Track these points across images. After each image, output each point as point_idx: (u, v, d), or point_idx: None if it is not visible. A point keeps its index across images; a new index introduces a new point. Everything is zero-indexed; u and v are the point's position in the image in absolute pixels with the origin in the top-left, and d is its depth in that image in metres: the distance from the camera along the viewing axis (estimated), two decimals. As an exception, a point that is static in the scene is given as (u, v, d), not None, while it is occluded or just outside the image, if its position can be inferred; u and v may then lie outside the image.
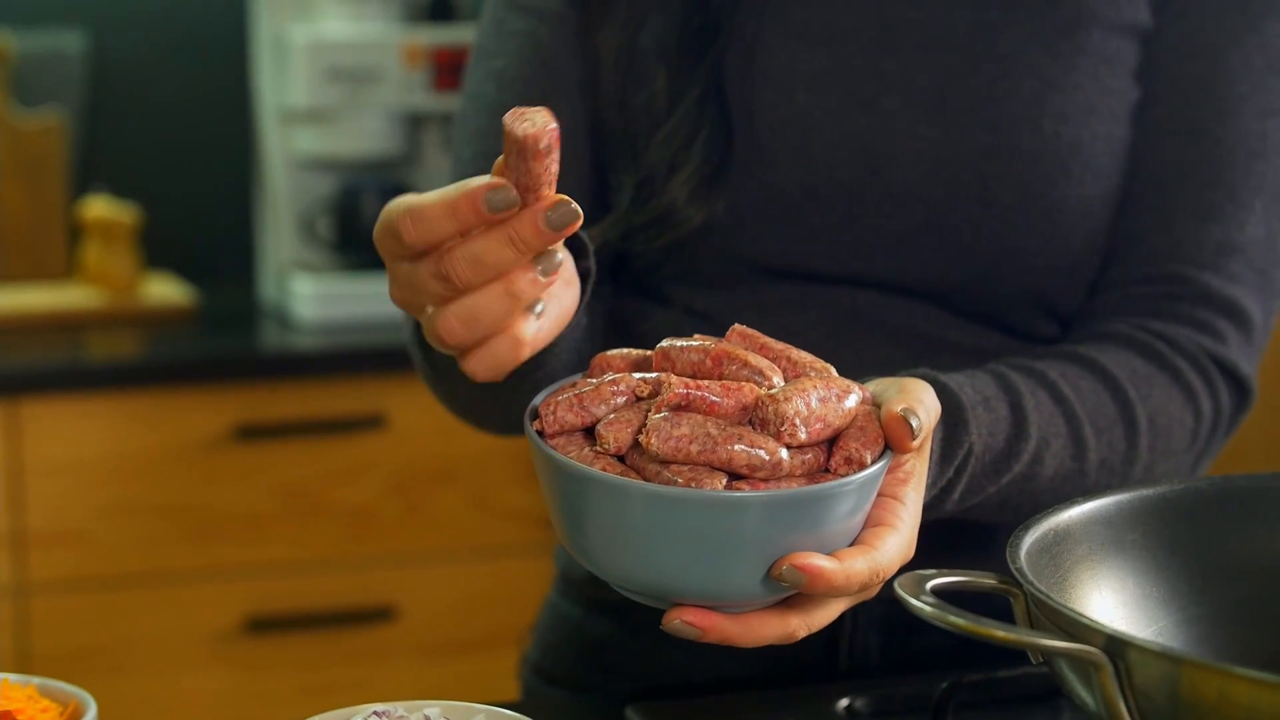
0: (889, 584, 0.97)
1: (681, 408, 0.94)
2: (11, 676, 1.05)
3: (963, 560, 1.11)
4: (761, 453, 0.93)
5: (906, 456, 1.00)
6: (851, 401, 0.96)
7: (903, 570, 0.98)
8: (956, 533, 1.19)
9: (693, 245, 1.28)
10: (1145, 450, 1.22)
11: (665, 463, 0.93)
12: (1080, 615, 0.90)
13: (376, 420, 2.70)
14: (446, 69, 2.85)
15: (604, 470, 0.94)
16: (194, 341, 2.80)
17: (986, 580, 0.98)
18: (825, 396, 0.95)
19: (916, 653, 1.30)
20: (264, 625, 2.69)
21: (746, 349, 0.99)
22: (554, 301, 1.01)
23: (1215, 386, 1.26)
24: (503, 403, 1.22)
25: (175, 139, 3.13)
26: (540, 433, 0.97)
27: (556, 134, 0.92)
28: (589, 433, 0.97)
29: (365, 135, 2.87)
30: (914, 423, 0.97)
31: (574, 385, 0.98)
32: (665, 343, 0.99)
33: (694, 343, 0.98)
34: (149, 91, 3.11)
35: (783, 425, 0.93)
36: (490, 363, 0.97)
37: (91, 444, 2.60)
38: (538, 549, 2.74)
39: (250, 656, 2.69)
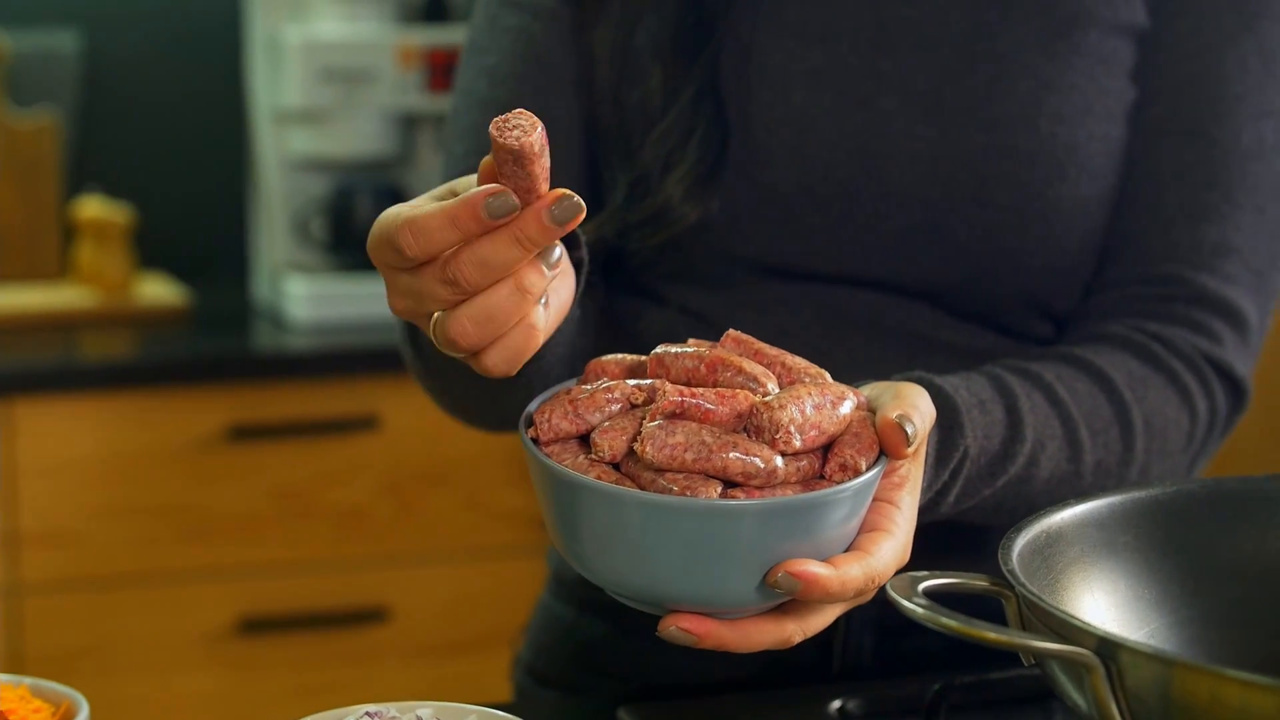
0: (883, 587, 0.97)
1: (676, 415, 0.94)
2: (4, 677, 1.05)
3: (956, 562, 1.11)
4: (756, 460, 0.93)
5: (901, 462, 1.00)
6: (846, 408, 0.97)
7: (898, 573, 0.98)
8: (950, 534, 1.19)
9: (688, 244, 1.28)
10: (1141, 452, 1.22)
11: (660, 470, 0.93)
12: (1072, 617, 0.90)
13: (370, 421, 2.70)
14: (441, 70, 2.84)
15: (599, 478, 0.94)
16: (187, 342, 2.79)
17: (978, 582, 0.98)
18: (820, 403, 0.95)
19: (910, 655, 1.30)
20: (257, 626, 2.69)
21: (741, 355, 0.99)
22: (553, 294, 1.01)
23: (1211, 388, 1.26)
24: (496, 398, 1.22)
25: (169, 139, 3.12)
26: (535, 440, 0.97)
27: (543, 141, 0.92)
28: (584, 440, 0.97)
29: (359, 136, 2.87)
30: (909, 429, 0.97)
31: (568, 392, 0.98)
32: (660, 349, 0.99)
33: (689, 349, 0.98)
34: (143, 91, 3.10)
35: (777, 432, 0.94)
36: (507, 355, 0.97)
37: (85, 444, 2.60)
38: (530, 550, 2.74)
39: (243, 657, 2.69)
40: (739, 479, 0.93)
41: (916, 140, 1.26)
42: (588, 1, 1.30)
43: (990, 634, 0.90)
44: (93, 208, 2.87)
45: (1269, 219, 1.27)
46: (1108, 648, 0.88)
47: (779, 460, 0.93)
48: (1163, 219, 1.27)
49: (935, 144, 1.25)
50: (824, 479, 0.95)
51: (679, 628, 0.95)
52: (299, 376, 2.70)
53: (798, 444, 0.94)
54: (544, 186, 0.93)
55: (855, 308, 1.28)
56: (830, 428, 0.95)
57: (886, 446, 0.97)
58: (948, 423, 1.11)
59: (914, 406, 0.98)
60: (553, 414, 0.96)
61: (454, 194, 0.97)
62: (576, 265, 1.08)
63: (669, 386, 0.95)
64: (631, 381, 0.97)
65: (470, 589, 2.77)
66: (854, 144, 1.26)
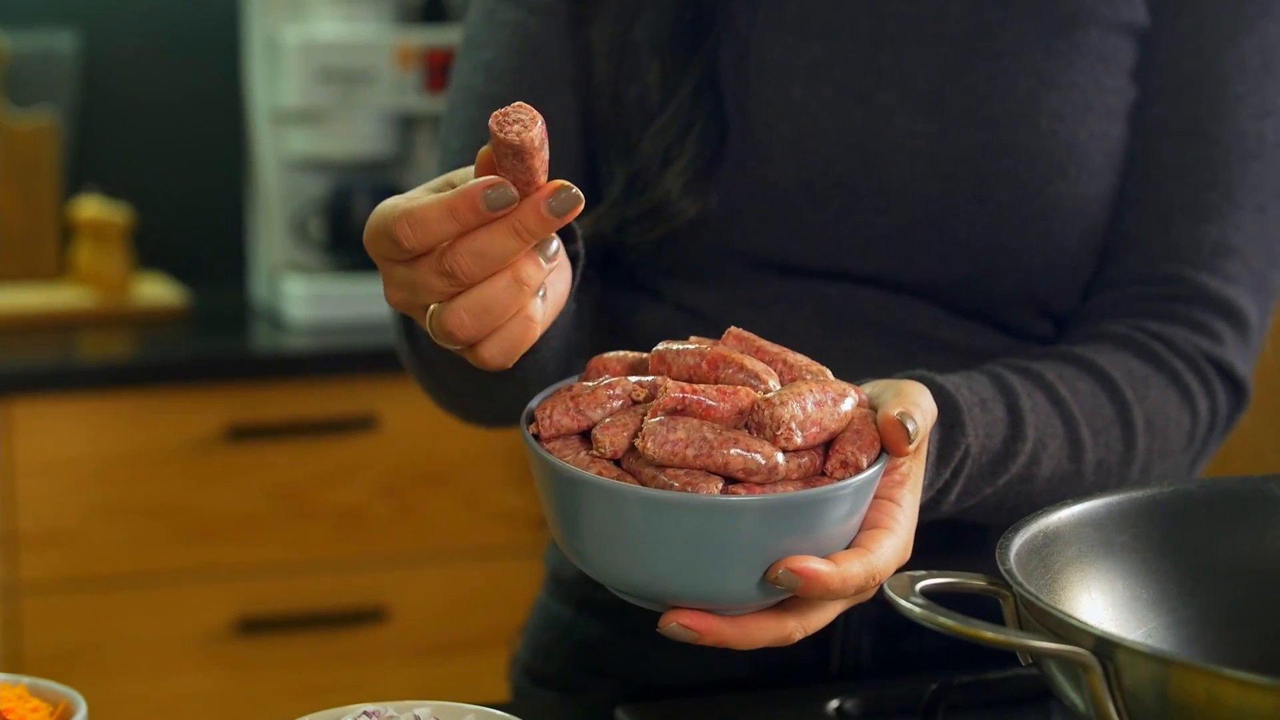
0: (881, 587, 0.97)
1: (678, 412, 0.94)
2: (2, 676, 1.05)
3: (953, 562, 1.11)
4: (757, 457, 0.93)
5: (902, 459, 1.00)
6: (847, 405, 0.97)
7: (899, 572, 0.98)
8: (948, 534, 1.19)
9: (685, 239, 1.28)
10: (1142, 451, 1.22)
11: (661, 467, 0.94)
12: (1069, 617, 0.90)
13: (368, 421, 2.70)
14: (439, 70, 2.84)
15: (600, 474, 0.94)
16: (185, 342, 2.79)
17: (976, 581, 0.98)
18: (821, 400, 0.95)
19: (908, 655, 1.30)
20: (255, 626, 2.69)
21: (742, 352, 0.99)
22: (549, 286, 1.01)
23: (1212, 387, 1.26)
24: (491, 393, 1.22)
25: (167, 139, 3.12)
26: (536, 436, 0.97)
27: (542, 135, 0.92)
28: (585, 436, 0.97)
29: (357, 136, 2.87)
30: (910, 426, 0.97)
31: (570, 388, 0.98)
32: (661, 346, 0.99)
33: (690, 346, 0.98)
34: (141, 92, 3.10)
35: (778, 429, 0.94)
36: (504, 347, 0.97)
37: (83, 444, 2.60)
38: (528, 550, 2.74)
39: (241, 657, 2.69)
40: (740, 475, 0.93)
41: (916, 136, 1.26)
42: (585, -4, 1.30)
43: (988, 633, 0.90)
44: (91, 208, 2.87)
45: (1269, 218, 1.27)
46: (1105, 647, 0.88)
47: (780, 457, 0.93)
48: (1163, 218, 1.27)
49: (935, 140, 1.25)
50: (825, 476, 0.95)
51: (680, 624, 0.95)
52: (297, 377, 2.69)
53: (799, 441, 0.94)
54: (543, 180, 0.93)
55: (854, 305, 1.28)
56: (831, 425, 0.95)
57: (888, 444, 0.97)
58: (949, 421, 1.11)
59: (915, 404, 0.98)
60: (554, 410, 0.96)
61: (451, 186, 0.97)
62: (573, 259, 1.07)
63: (670, 383, 0.95)
64: (633, 378, 0.97)
65: (468, 589, 2.77)
66: (853, 139, 1.26)
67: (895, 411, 0.97)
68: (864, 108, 1.26)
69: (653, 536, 0.93)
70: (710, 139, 1.26)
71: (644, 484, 0.93)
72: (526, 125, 0.91)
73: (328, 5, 2.87)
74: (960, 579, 0.98)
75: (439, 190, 0.96)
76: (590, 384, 0.98)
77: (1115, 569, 1.05)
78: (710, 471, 0.93)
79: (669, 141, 1.26)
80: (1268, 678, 0.83)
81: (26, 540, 2.59)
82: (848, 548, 0.97)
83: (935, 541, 1.11)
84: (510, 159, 0.92)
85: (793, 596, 0.96)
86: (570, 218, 0.93)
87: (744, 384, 0.96)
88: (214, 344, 2.83)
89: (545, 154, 0.93)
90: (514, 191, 0.92)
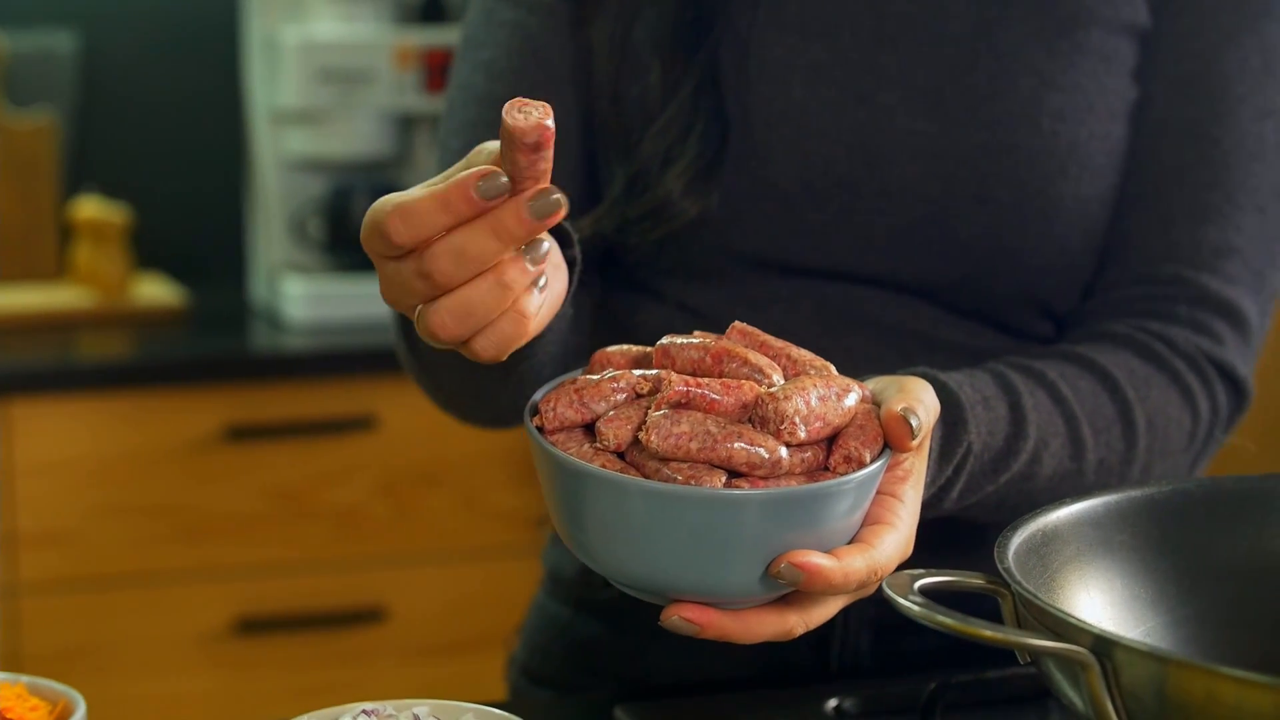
0: (880, 586, 0.97)
1: (682, 405, 0.95)
2: (1, 675, 1.05)
3: (952, 560, 1.11)
4: (761, 451, 0.93)
5: (905, 455, 1.00)
6: (851, 400, 0.97)
7: (900, 568, 0.98)
8: (947, 532, 1.19)
9: (686, 239, 1.28)
10: (1143, 451, 1.22)
11: (665, 460, 0.94)
12: (1068, 615, 0.90)
13: (366, 421, 2.70)
14: (438, 70, 2.85)
15: (603, 467, 0.94)
16: (184, 342, 2.79)
17: (974, 580, 0.98)
18: (825, 395, 0.95)
19: (907, 654, 1.30)
20: (253, 626, 2.69)
21: (747, 347, 0.99)
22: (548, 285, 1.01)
23: (1213, 388, 1.26)
24: (488, 395, 1.22)
25: (166, 139, 3.12)
26: (540, 429, 0.97)
27: (548, 131, 0.91)
28: (589, 429, 0.97)
29: (356, 136, 2.87)
30: (914, 422, 0.97)
31: (574, 381, 0.98)
32: (665, 339, 0.99)
33: (694, 340, 0.98)
34: (140, 92, 3.10)
35: (782, 423, 0.94)
36: (496, 341, 0.96)
37: (81, 444, 2.60)
38: (526, 550, 2.74)
39: (239, 657, 2.69)
40: (743, 469, 0.93)
41: (917, 136, 1.26)
42: (585, -5, 1.30)
43: (986, 632, 0.90)
44: (90, 208, 2.87)
45: (1270, 219, 1.27)
46: (1103, 646, 0.88)
47: (783, 451, 0.93)
48: (1164, 219, 1.27)
49: (936, 140, 1.25)
50: (828, 471, 0.95)
51: (681, 617, 0.95)
52: (296, 377, 2.70)
53: (802, 435, 0.94)
54: (545, 181, 0.93)
55: (854, 304, 1.28)
56: (835, 419, 0.96)
57: (891, 439, 0.97)
58: (951, 419, 1.11)
59: (919, 400, 0.98)
60: (558, 403, 0.96)
61: None
62: (569, 263, 1.07)
63: (675, 376, 0.95)
64: (637, 371, 0.97)
65: (467, 589, 2.77)
66: (854, 139, 1.26)
67: (899, 407, 0.97)
68: (865, 107, 1.26)
69: (655, 529, 0.93)
70: (711, 139, 1.26)
71: (647, 477, 0.93)
72: (530, 119, 0.91)
73: (327, 5, 2.87)
74: (959, 577, 0.98)
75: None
76: (594, 377, 0.97)
77: (1114, 568, 1.05)
78: (714, 465, 0.93)
79: (670, 142, 1.26)
80: (1266, 676, 0.83)
81: (26, 540, 2.59)
82: (850, 543, 0.97)
83: (934, 540, 1.11)
84: (506, 146, 0.91)
85: (794, 591, 0.96)
86: (551, 222, 0.92)
87: (748, 378, 0.96)
88: (213, 344, 2.83)
89: (540, 160, 0.92)
90: (507, 181, 0.92)
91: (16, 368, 2.62)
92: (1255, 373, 1.30)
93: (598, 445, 0.95)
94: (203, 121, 3.13)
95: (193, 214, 3.13)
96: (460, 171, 0.94)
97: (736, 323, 1.01)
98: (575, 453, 0.95)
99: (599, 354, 1.01)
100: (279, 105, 2.86)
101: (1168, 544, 1.07)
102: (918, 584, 0.95)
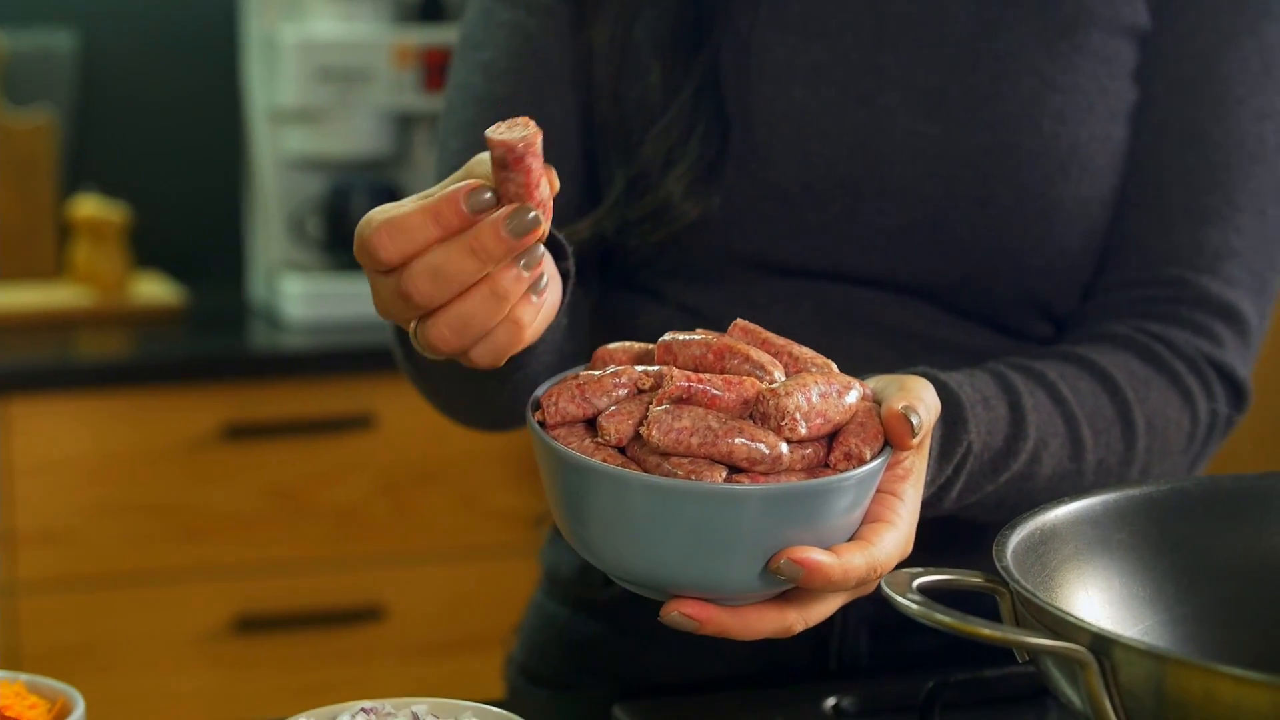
0: (879, 584, 0.97)
1: (683, 401, 0.95)
2: (0, 673, 1.05)
3: (951, 559, 1.11)
4: (762, 446, 0.93)
5: (905, 453, 1.00)
6: (852, 397, 0.97)
7: (899, 567, 0.98)
8: (949, 531, 1.19)
9: (687, 240, 1.28)
10: (1142, 452, 1.22)
11: (666, 455, 0.94)
12: (1066, 614, 0.90)
13: (365, 420, 2.70)
14: (437, 69, 2.85)
15: (605, 461, 0.94)
16: (183, 341, 2.79)
17: (973, 579, 0.98)
18: (826, 392, 0.96)
19: (906, 653, 1.30)
20: (252, 624, 2.69)
21: (748, 344, 0.99)
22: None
23: (1212, 390, 1.26)
24: (485, 401, 1.22)
25: (165, 138, 3.12)
26: (542, 423, 0.97)
27: (531, 147, 0.91)
28: (590, 424, 0.97)
29: (355, 135, 2.87)
30: (914, 420, 0.97)
31: (576, 376, 0.98)
32: (667, 336, 0.99)
33: (696, 336, 0.99)
34: (139, 91, 3.10)
35: (783, 420, 0.94)
36: (492, 349, 0.96)
37: (80, 443, 2.60)
38: (525, 549, 2.74)
39: (238, 656, 2.69)
40: (744, 464, 0.93)
41: (918, 137, 1.26)
42: (586, -4, 1.30)
43: (985, 630, 0.90)
44: (89, 207, 2.87)
45: (1270, 221, 1.27)
46: (1102, 644, 0.88)
47: (784, 447, 0.94)
48: (1164, 221, 1.27)
49: (937, 141, 1.25)
50: (828, 467, 0.96)
51: (681, 613, 0.95)
52: (295, 375, 2.70)
53: (803, 431, 0.94)
54: (535, 195, 0.93)
55: (855, 305, 1.28)
56: (836, 416, 0.96)
57: (891, 437, 0.97)
58: (952, 418, 1.11)
59: (919, 398, 0.98)
60: (560, 398, 0.97)
61: None
62: (563, 275, 1.07)
63: (676, 371, 0.95)
64: (639, 367, 0.98)
65: (465, 588, 2.77)
66: (855, 140, 1.26)
67: (899, 405, 0.97)
68: (866, 108, 1.26)
69: (656, 524, 0.93)
70: (712, 141, 1.26)
71: (648, 472, 0.94)
72: (512, 136, 0.91)
73: (325, 4, 2.87)
74: (957, 576, 0.98)
75: None
76: (596, 372, 0.98)
77: (1112, 566, 1.05)
78: (714, 460, 0.93)
79: (671, 143, 1.26)
80: (1263, 675, 0.83)
81: (24, 538, 2.59)
82: (850, 540, 0.97)
83: (933, 539, 1.11)
84: (502, 169, 0.92)
85: (794, 588, 0.96)
86: (528, 241, 0.92)
87: (749, 375, 0.97)
88: (212, 343, 2.83)
89: (522, 175, 0.92)
90: (491, 196, 0.92)
91: (15, 366, 2.62)
92: (1254, 374, 1.30)
93: (599, 440, 0.95)
94: (201, 120, 3.13)
95: (191, 213, 3.13)
96: (452, 185, 0.94)
97: (738, 320, 1.01)
98: (577, 447, 0.95)
99: (601, 350, 1.01)
100: (278, 104, 2.86)
101: (1166, 543, 1.07)
102: (916, 582, 0.95)
